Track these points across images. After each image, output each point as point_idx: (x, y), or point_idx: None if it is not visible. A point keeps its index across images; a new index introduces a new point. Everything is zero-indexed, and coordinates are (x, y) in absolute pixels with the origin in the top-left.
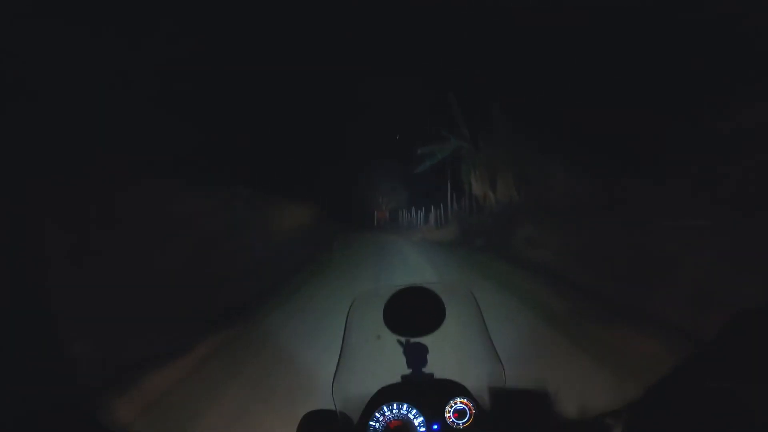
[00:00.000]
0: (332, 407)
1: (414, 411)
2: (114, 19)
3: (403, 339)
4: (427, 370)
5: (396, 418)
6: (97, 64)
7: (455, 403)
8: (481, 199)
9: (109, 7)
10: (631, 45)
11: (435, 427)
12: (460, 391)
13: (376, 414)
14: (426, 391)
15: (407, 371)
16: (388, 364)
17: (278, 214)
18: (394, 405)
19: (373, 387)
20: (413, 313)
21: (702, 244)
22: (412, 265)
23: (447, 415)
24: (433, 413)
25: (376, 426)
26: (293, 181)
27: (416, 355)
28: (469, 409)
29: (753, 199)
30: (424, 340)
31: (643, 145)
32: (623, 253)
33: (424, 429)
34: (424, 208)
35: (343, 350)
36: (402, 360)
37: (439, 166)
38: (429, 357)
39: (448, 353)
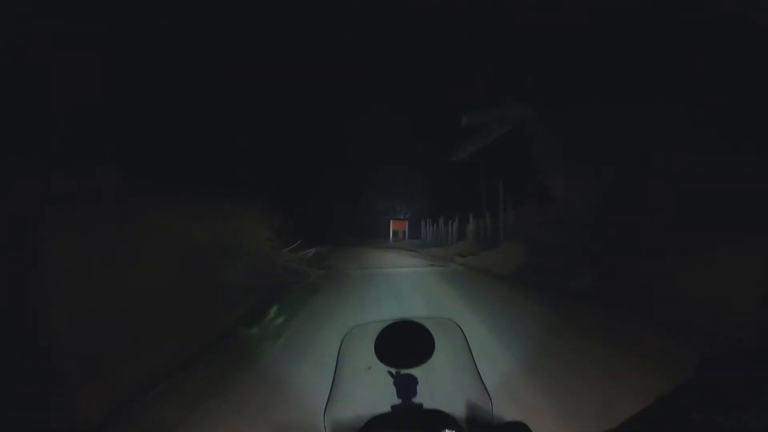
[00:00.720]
0: None
1: None
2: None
3: (393, 370)
4: (416, 400)
5: None
6: None
7: None
8: (564, 207)
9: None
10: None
11: None
12: (449, 421)
13: None
14: (415, 421)
15: (397, 402)
16: (379, 394)
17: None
18: None
19: (363, 416)
20: (403, 346)
21: None
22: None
23: None
24: None
25: None
26: (281, 187)
27: (406, 386)
28: None
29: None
30: (414, 371)
31: None
32: None
33: None
34: (457, 218)
35: (335, 381)
36: (392, 391)
37: (488, 151)
38: (418, 388)
39: (437, 384)
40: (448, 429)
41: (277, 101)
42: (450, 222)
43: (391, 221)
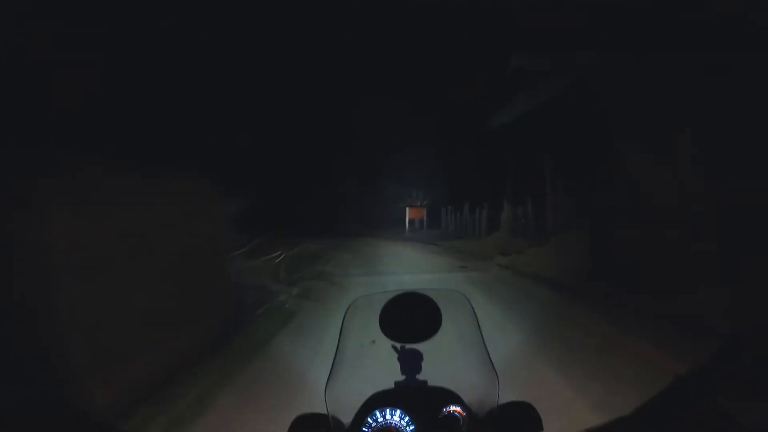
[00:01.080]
0: (324, 411)
1: (407, 418)
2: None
3: (398, 345)
4: (420, 377)
5: (388, 424)
6: None
7: (448, 411)
8: (645, 188)
9: None
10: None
11: None
12: (454, 399)
13: (369, 419)
14: (419, 398)
15: (401, 377)
16: (382, 369)
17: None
18: (387, 411)
19: (366, 392)
20: (409, 320)
21: None
22: None
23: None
24: (425, 420)
25: (368, 431)
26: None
27: (411, 362)
28: (462, 417)
29: None
30: (419, 346)
31: None
32: None
33: None
34: (486, 204)
35: (338, 354)
36: (396, 366)
37: (534, 114)
38: (423, 364)
39: (442, 361)
40: (453, 407)
41: (276, 73)
42: (478, 209)
43: (408, 209)
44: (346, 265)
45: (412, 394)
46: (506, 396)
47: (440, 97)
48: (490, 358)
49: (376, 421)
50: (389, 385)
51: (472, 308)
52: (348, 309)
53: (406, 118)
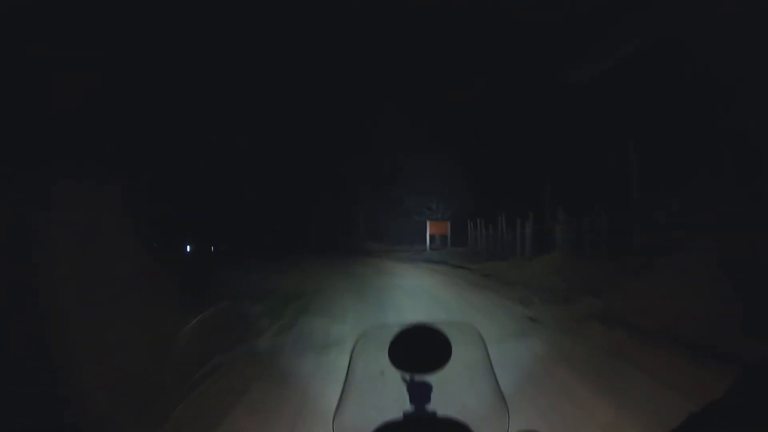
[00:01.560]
0: None
1: None
2: None
3: (407, 376)
4: (430, 408)
5: None
6: None
7: None
8: None
9: None
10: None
11: None
12: (463, 430)
13: None
14: (428, 429)
15: (410, 409)
16: (391, 400)
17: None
18: None
19: (374, 422)
20: (419, 351)
21: None
22: None
23: None
24: None
25: None
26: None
27: (420, 393)
28: None
29: None
30: (429, 378)
31: None
32: None
33: None
34: (531, 216)
35: (347, 384)
36: (405, 397)
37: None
38: (433, 395)
39: (452, 392)
40: None
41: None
42: (521, 222)
43: (428, 223)
44: (339, 314)
45: (421, 424)
46: None
47: (462, 81)
48: (500, 389)
49: None
50: (398, 415)
51: (483, 340)
52: (357, 340)
53: (422, 111)
